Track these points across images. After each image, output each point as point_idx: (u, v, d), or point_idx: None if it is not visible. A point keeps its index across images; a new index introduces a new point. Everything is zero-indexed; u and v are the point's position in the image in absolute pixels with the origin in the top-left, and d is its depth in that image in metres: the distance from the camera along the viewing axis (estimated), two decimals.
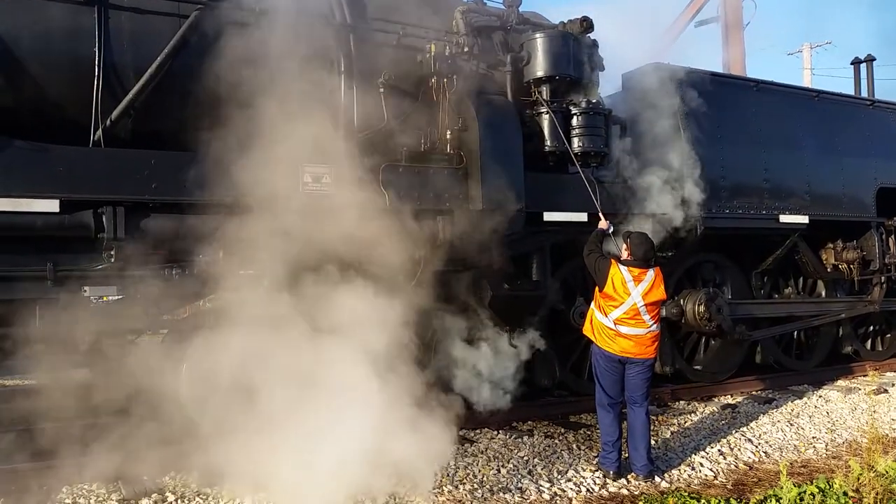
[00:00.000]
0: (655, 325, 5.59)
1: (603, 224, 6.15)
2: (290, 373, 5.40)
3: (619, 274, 5.52)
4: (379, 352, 5.53)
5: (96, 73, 5.39)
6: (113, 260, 5.24)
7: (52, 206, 5.04)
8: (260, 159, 5.42)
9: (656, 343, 5.65)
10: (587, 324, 5.85)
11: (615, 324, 5.53)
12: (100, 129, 5.42)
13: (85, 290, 5.19)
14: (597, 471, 5.65)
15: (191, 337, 5.78)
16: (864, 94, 11.21)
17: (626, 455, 5.72)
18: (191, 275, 5.39)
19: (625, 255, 5.66)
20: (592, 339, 5.74)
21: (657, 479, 5.57)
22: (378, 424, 5.29)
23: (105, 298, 5.66)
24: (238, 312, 5.50)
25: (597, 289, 5.75)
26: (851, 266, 9.54)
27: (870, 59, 11.56)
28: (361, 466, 4.98)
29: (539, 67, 7.08)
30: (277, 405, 5.39)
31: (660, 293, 5.60)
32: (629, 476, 5.58)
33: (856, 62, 11.73)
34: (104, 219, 5.18)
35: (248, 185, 5.36)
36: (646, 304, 5.49)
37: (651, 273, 5.57)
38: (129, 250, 5.24)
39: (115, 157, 5.34)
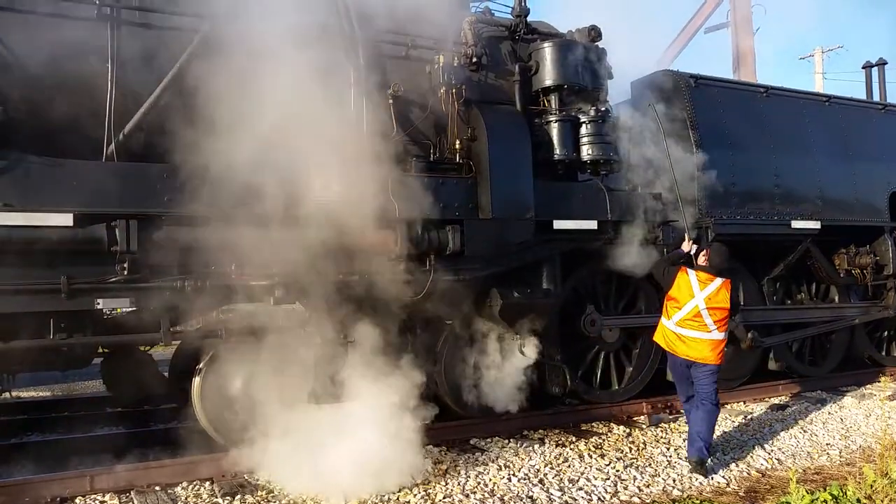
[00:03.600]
0: (719, 333, 5.82)
1: (686, 246, 6.27)
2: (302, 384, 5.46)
3: (686, 277, 5.91)
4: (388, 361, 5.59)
5: (109, 89, 5.46)
6: (126, 272, 5.30)
7: (66, 220, 5.11)
8: (271, 171, 5.48)
9: (720, 350, 5.86)
10: (657, 331, 6.20)
11: (677, 326, 5.88)
12: (112, 144, 5.49)
13: (98, 303, 5.24)
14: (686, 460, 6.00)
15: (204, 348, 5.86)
16: (876, 98, 11.17)
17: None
18: (203, 286, 5.42)
19: (701, 260, 6.03)
20: (659, 342, 6.16)
21: (708, 477, 5.76)
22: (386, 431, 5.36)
23: (118, 310, 5.74)
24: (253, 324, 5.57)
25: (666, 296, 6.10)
26: (865, 271, 9.50)
27: (881, 63, 11.52)
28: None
29: (547, 76, 7.12)
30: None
31: (724, 300, 5.83)
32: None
33: (867, 66, 11.68)
34: (117, 232, 5.24)
35: (259, 197, 5.42)
36: (708, 308, 5.76)
37: (718, 281, 5.84)
38: (141, 263, 5.31)
39: (127, 170, 5.41)
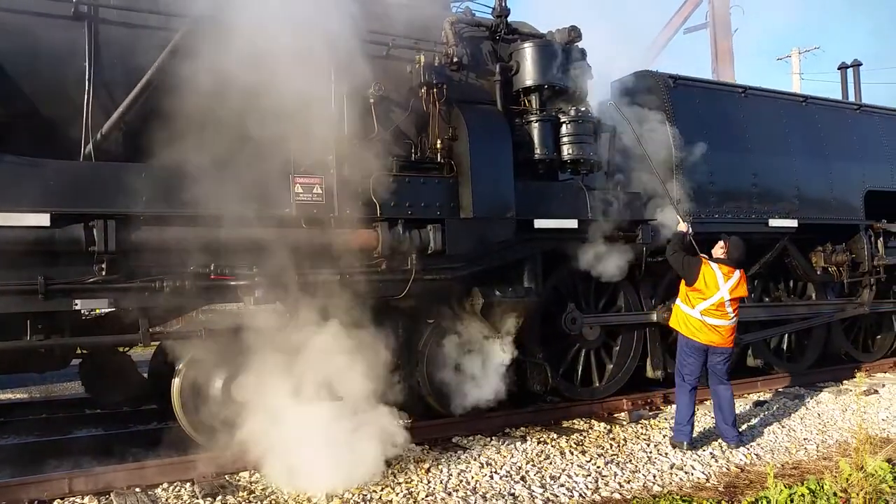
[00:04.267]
0: (735, 318, 6.38)
1: (683, 227, 6.76)
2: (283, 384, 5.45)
3: (711, 271, 6.26)
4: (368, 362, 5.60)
5: (87, 88, 5.42)
6: (104, 273, 5.25)
7: (42, 220, 5.06)
8: (250, 171, 5.46)
9: (734, 334, 6.46)
10: (673, 317, 6.61)
11: (702, 314, 6.25)
12: (90, 143, 5.44)
13: (76, 304, 5.20)
14: (673, 447, 6.38)
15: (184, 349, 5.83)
16: (851, 98, 11.33)
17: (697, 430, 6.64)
18: (183, 287, 5.38)
19: (720, 253, 6.37)
20: (679, 329, 6.47)
21: (743, 447, 6.38)
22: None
23: (97, 311, 5.70)
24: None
25: (683, 283, 6.46)
26: (841, 269, 9.63)
27: (856, 65, 11.68)
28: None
29: (528, 76, 7.16)
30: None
31: (743, 290, 6.40)
32: (718, 442, 6.48)
33: (842, 67, 11.84)
34: (95, 232, 5.19)
35: (238, 197, 5.40)
36: (730, 299, 6.23)
37: (738, 273, 6.33)
38: (120, 263, 5.27)
39: (105, 170, 5.36)
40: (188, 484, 5.43)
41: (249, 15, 5.60)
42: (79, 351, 6.81)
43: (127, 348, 7.14)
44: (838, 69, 11.91)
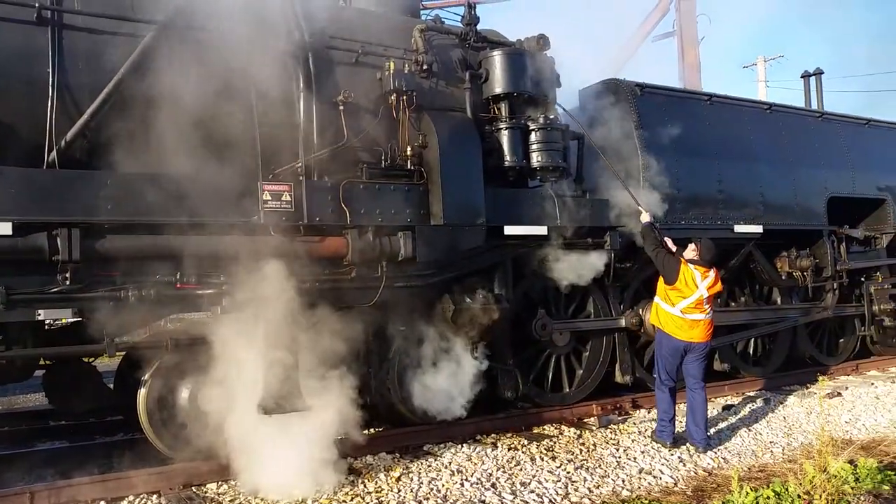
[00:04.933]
0: (712, 313, 6.65)
1: (645, 217, 6.97)
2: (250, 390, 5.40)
3: (690, 271, 6.50)
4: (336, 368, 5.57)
5: (51, 95, 5.34)
6: (68, 282, 5.17)
7: (5, 228, 4.96)
8: (218, 179, 5.42)
9: (712, 328, 6.68)
10: (653, 315, 6.85)
11: (683, 312, 6.49)
12: (54, 151, 5.36)
13: (39, 314, 5.10)
14: (653, 443, 6.66)
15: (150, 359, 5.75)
16: (814, 106, 11.56)
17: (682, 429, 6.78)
18: (148, 296, 5.31)
19: (692, 255, 6.58)
20: (660, 326, 6.67)
21: (710, 451, 6.51)
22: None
23: (63, 321, 5.60)
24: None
25: (661, 282, 6.68)
26: (805, 273, 9.80)
27: (818, 73, 11.93)
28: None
29: (497, 84, 7.20)
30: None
31: (719, 287, 6.73)
32: (686, 446, 6.57)
33: (805, 76, 12.09)
34: (59, 241, 5.10)
35: (205, 205, 5.36)
36: (708, 296, 6.51)
37: (713, 272, 6.60)
38: (84, 272, 5.18)
39: (69, 178, 5.27)
40: (155, 496, 5.34)
41: (216, 22, 5.57)
42: (42, 361, 6.68)
43: (92, 358, 7.03)
44: (801, 77, 12.15)
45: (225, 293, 5.44)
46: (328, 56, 6.46)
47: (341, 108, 6.26)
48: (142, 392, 5.72)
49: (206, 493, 5.44)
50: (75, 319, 5.32)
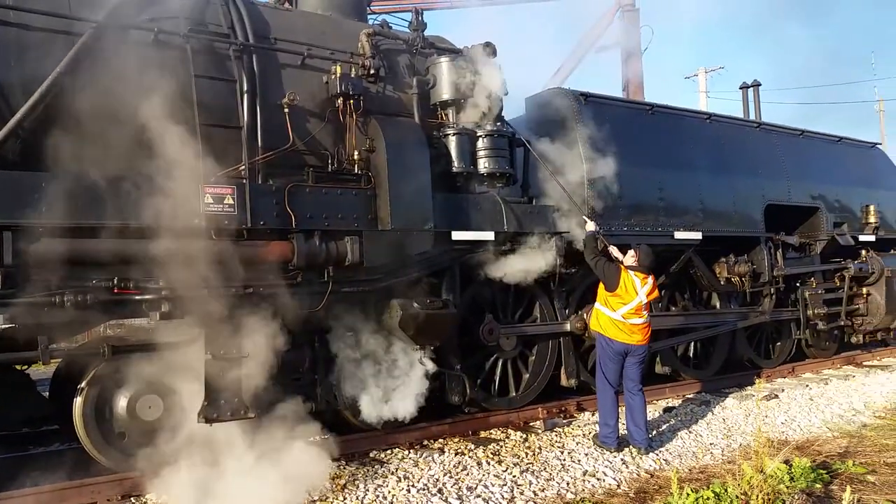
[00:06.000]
0: (649, 317, 6.86)
1: (591, 226, 7.19)
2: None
3: (630, 278, 6.69)
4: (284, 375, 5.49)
5: None
6: (0, 287, 4.97)
7: None
8: (158, 181, 5.30)
9: (650, 331, 6.92)
10: (594, 320, 7.01)
11: (624, 317, 6.64)
12: None
13: None
14: (598, 447, 6.77)
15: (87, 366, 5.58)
16: (752, 116, 11.93)
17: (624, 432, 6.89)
18: (85, 301, 5.15)
19: (631, 261, 6.76)
20: (600, 331, 6.80)
21: (652, 453, 6.64)
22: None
23: None
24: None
25: (602, 288, 6.84)
26: (743, 279, 10.06)
27: (756, 85, 12.32)
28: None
29: (445, 90, 7.22)
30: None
31: (656, 293, 7.01)
32: (629, 449, 6.70)
33: (744, 87, 12.47)
34: None
35: (145, 208, 5.23)
36: (647, 302, 6.74)
37: (651, 279, 6.81)
38: (17, 276, 5.00)
39: (1, 179, 5.07)
40: None
41: (155, 22, 5.46)
42: None
43: (25, 366, 6.77)
44: (740, 88, 12.53)
45: (164, 299, 5.30)
46: (273, 57, 6.38)
47: (286, 110, 6.18)
48: (78, 401, 5.54)
49: (144, 503, 5.29)
50: (7, 326, 5.13)
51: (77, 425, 5.57)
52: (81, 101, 5.26)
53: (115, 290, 5.26)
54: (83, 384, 5.54)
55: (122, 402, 5.58)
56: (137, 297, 5.33)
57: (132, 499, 5.35)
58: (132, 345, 5.49)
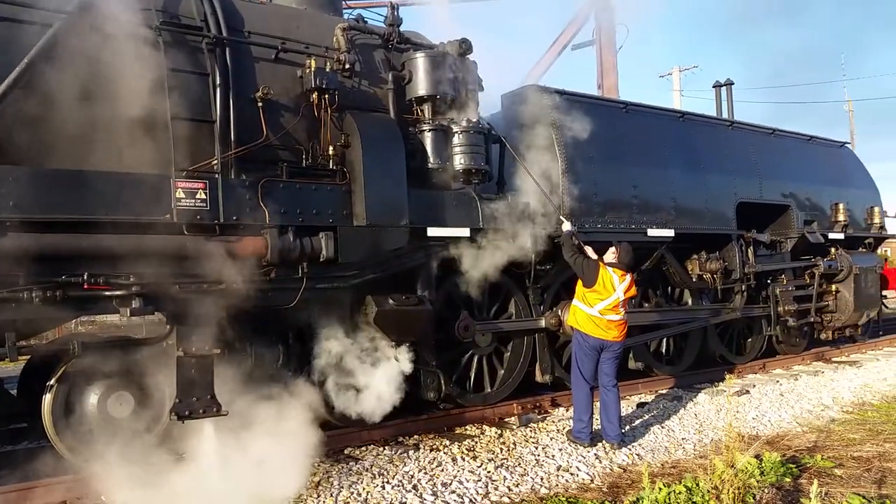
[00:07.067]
0: (626, 314, 6.89)
1: (567, 226, 7.25)
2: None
3: (608, 274, 6.73)
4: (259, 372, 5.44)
5: None
6: None
7: None
8: (129, 175, 5.22)
9: (626, 328, 6.95)
10: (571, 316, 7.05)
11: (601, 313, 6.68)
12: None
13: None
14: (571, 443, 6.80)
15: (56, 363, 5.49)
16: (725, 114, 12.04)
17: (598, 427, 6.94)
18: (54, 297, 5.05)
19: (611, 258, 6.83)
20: (577, 327, 6.83)
21: (625, 448, 6.69)
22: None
23: None
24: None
25: (580, 284, 6.86)
26: (715, 276, 10.17)
27: (729, 83, 12.44)
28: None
29: (420, 86, 7.20)
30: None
31: (633, 291, 7.03)
32: (602, 444, 6.76)
33: (717, 85, 12.58)
34: None
35: (115, 203, 5.15)
36: (624, 298, 6.77)
37: (629, 276, 6.85)
38: None
39: None
40: None
41: (128, 13, 5.37)
42: None
43: None
44: (713, 87, 12.64)
45: (135, 295, 5.23)
46: (246, 51, 6.32)
47: (260, 104, 6.13)
48: (47, 398, 5.44)
49: (114, 503, 5.22)
50: None
51: (46, 423, 5.47)
52: (51, 94, 5.17)
53: (86, 286, 5.17)
54: (52, 381, 5.45)
55: (92, 400, 5.50)
56: (108, 293, 5.24)
57: (102, 497, 5.27)
58: (103, 341, 5.41)
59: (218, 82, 5.97)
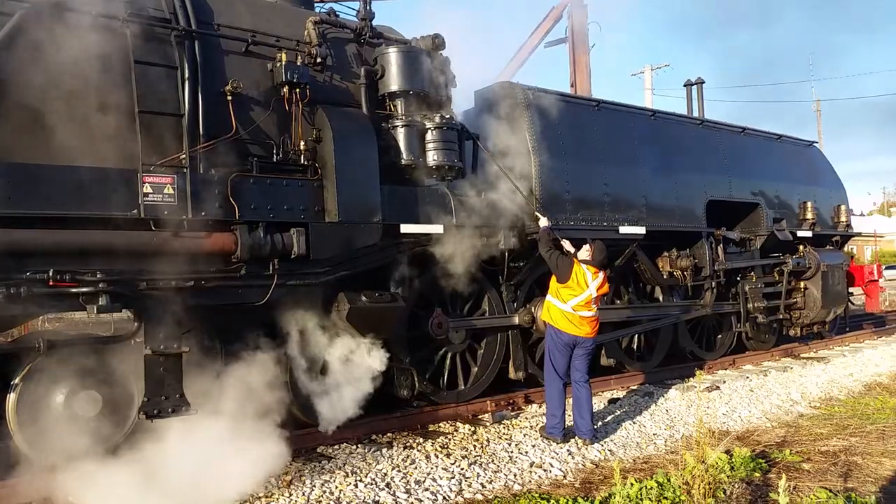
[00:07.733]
0: (598, 311, 6.98)
1: (543, 222, 7.35)
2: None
3: (582, 271, 6.79)
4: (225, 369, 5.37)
5: None
6: None
7: None
8: (94, 169, 5.11)
9: (598, 324, 7.01)
10: (545, 312, 7.05)
11: (574, 309, 6.74)
12: None
13: None
14: (544, 439, 6.81)
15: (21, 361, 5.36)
16: (696, 113, 12.15)
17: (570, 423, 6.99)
18: (17, 294, 4.93)
19: (585, 256, 6.84)
20: (550, 322, 6.88)
21: (597, 444, 6.75)
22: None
23: None
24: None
25: (554, 280, 6.93)
26: (685, 273, 10.27)
27: (700, 82, 12.55)
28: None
29: (393, 82, 7.14)
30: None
31: (606, 288, 7.13)
32: (575, 440, 6.80)
33: (688, 84, 12.69)
34: None
35: (81, 197, 5.04)
36: (596, 296, 6.84)
37: (602, 273, 6.92)
38: None
39: None
40: None
41: (93, 4, 5.25)
42: None
43: None
44: (684, 86, 12.75)
45: (102, 292, 5.12)
46: (216, 44, 6.21)
47: (230, 98, 6.03)
48: (11, 397, 5.32)
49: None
50: None
51: (10, 422, 5.35)
52: (15, 86, 5.04)
53: (51, 283, 5.05)
54: (17, 380, 5.32)
55: (58, 398, 5.38)
56: (74, 290, 5.13)
57: (70, 497, 5.16)
58: (69, 339, 5.29)
59: (186, 75, 5.85)
